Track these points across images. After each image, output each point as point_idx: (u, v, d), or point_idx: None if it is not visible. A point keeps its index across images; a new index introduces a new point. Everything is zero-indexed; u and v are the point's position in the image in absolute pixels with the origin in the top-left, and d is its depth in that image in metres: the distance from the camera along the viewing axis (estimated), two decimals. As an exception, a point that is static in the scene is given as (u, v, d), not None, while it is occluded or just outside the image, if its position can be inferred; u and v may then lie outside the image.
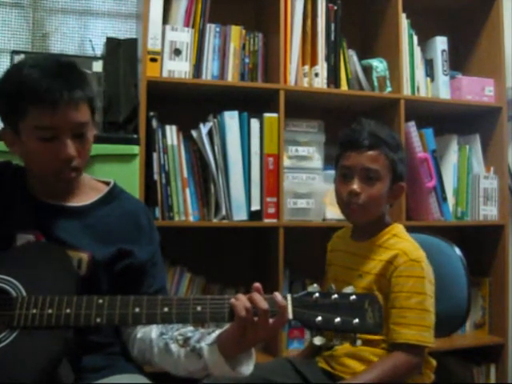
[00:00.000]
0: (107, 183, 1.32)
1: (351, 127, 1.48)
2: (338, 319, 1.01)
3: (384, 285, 1.37)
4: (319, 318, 1.01)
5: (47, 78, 1.09)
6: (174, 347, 1.13)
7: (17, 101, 1.11)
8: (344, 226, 1.60)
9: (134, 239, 1.24)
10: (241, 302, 1.01)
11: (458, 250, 1.58)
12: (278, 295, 1.03)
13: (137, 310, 1.02)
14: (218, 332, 1.10)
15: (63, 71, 1.13)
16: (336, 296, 1.03)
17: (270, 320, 1.01)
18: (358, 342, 1.02)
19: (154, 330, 1.19)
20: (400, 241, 1.44)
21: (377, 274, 1.39)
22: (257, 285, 1.04)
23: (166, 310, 1.02)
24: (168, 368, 1.17)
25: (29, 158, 1.18)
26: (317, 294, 1.04)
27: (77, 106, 1.12)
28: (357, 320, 1.01)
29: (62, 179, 1.18)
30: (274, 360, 1.57)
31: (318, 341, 1.02)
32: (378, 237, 1.45)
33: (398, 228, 1.48)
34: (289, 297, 1.04)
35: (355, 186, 1.39)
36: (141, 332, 1.22)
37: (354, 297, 1.03)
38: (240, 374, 1.08)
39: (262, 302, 1.01)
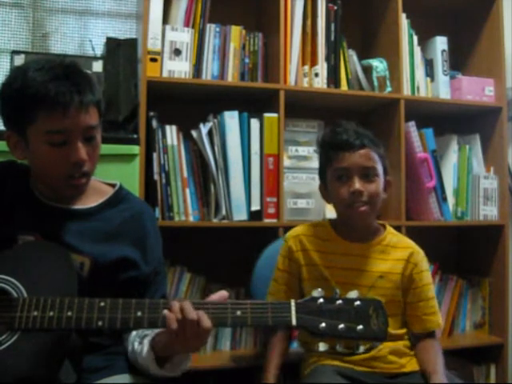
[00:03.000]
0: (113, 185, 1.30)
1: (333, 130, 1.47)
2: (341, 325, 1.00)
3: (404, 282, 1.46)
4: (323, 325, 1.00)
5: (55, 81, 1.07)
6: (136, 345, 1.14)
7: (25, 106, 1.08)
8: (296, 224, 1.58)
9: (139, 245, 1.23)
10: (174, 314, 1.00)
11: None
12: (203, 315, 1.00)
13: (139, 313, 1.01)
14: (156, 331, 1.09)
15: (70, 73, 1.11)
16: (340, 301, 1.02)
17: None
18: (361, 349, 1.01)
19: (135, 332, 1.19)
20: (401, 238, 1.53)
21: (400, 273, 1.45)
22: (223, 293, 1.05)
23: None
24: (138, 367, 1.16)
25: (37, 163, 1.16)
26: (321, 300, 1.03)
27: (87, 109, 1.11)
28: (361, 326, 1.00)
29: (71, 185, 1.16)
30: (317, 372, 1.40)
31: (322, 347, 1.02)
32: (384, 236, 1.49)
33: (389, 226, 1.54)
34: (292, 302, 1.03)
35: (358, 185, 1.39)
36: (127, 334, 1.22)
37: (358, 302, 1.02)
38: (177, 373, 1.09)
39: (191, 314, 0.99)
